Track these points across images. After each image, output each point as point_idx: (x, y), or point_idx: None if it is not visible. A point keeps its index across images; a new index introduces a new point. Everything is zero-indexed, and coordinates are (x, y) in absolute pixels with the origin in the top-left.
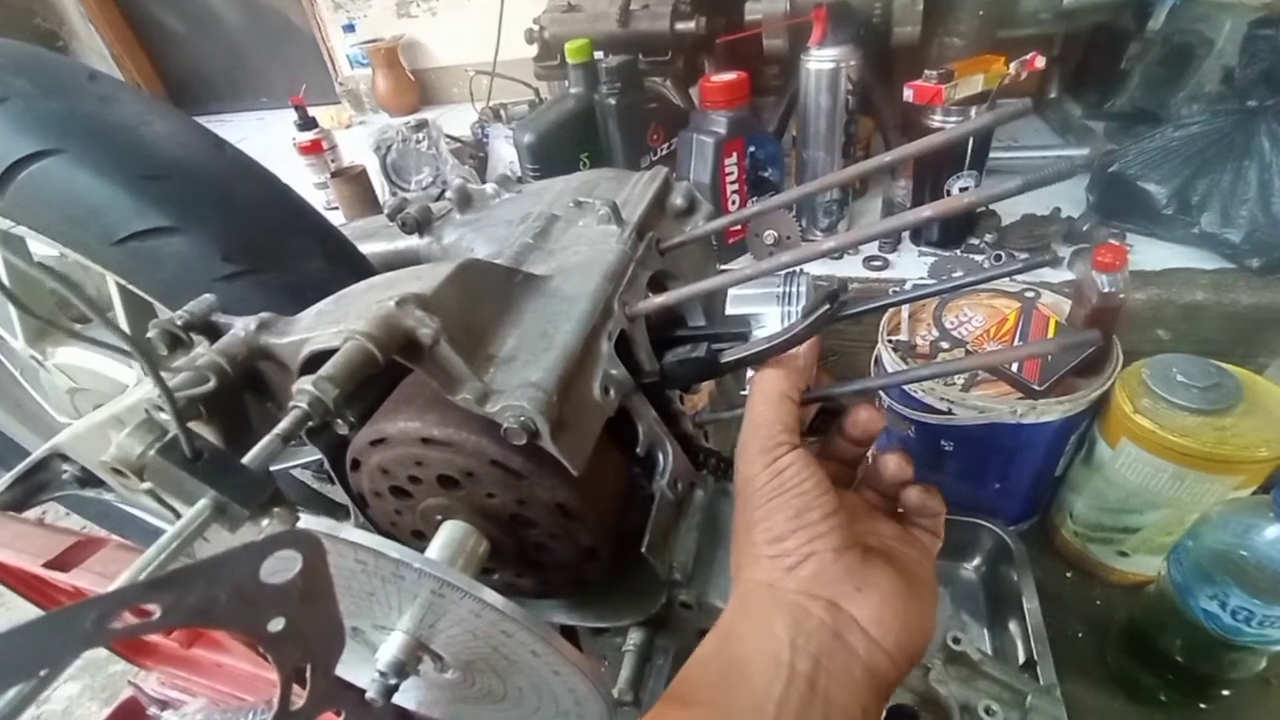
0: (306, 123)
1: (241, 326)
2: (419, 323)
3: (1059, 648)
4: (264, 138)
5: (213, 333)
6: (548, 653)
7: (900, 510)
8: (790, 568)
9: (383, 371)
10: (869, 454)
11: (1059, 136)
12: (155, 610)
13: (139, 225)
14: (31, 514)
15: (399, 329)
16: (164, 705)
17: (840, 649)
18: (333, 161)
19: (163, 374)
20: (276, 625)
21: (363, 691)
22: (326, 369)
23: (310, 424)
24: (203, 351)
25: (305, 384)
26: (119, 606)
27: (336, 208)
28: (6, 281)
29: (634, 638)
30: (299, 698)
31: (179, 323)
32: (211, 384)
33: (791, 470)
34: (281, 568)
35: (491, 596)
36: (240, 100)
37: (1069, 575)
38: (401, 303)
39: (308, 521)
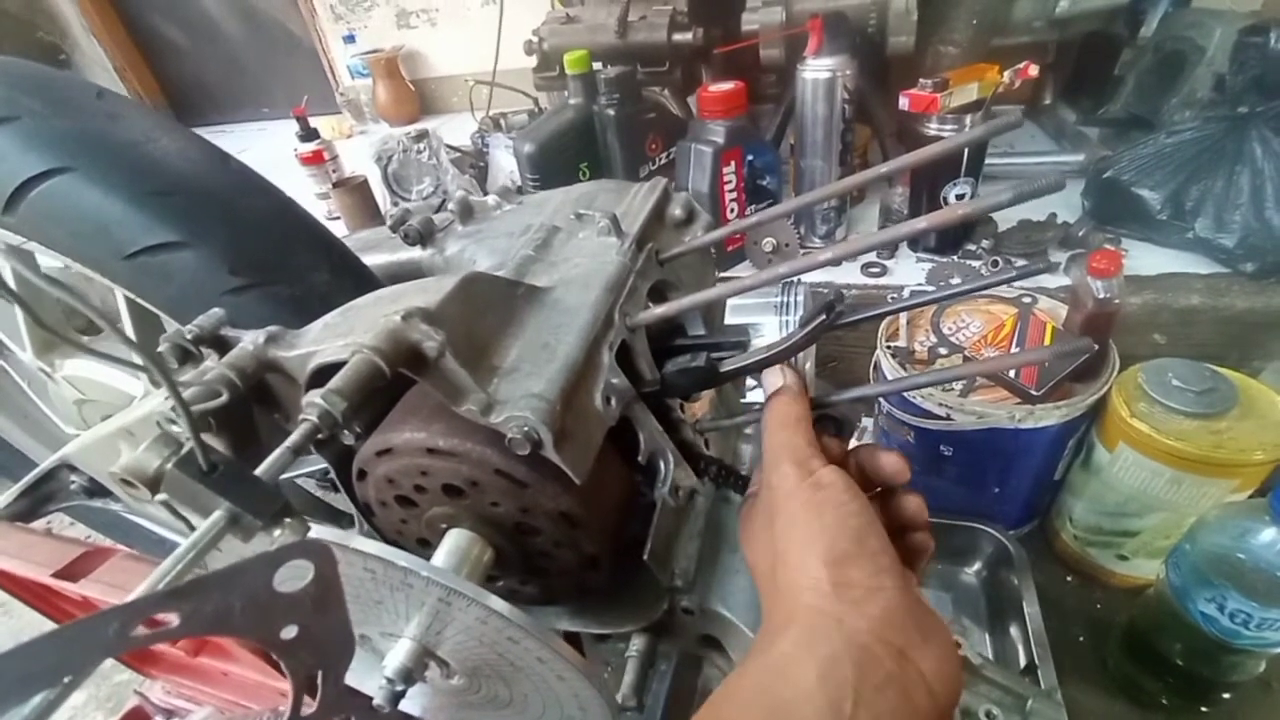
0: (308, 134)
1: (250, 340)
2: (424, 336)
3: (1060, 652)
4: (265, 148)
5: (221, 346)
6: (553, 658)
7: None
8: (857, 601)
9: (388, 383)
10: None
11: (1054, 143)
12: (174, 619)
13: (148, 240)
14: (37, 524)
15: (405, 342)
16: (170, 714)
17: (906, 709)
18: (334, 172)
19: (186, 381)
20: (290, 633)
21: (370, 699)
22: (335, 382)
23: (319, 436)
24: (212, 365)
25: (314, 397)
26: (140, 615)
27: (338, 218)
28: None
29: (636, 644)
30: (308, 705)
31: (189, 336)
32: (224, 398)
33: (836, 488)
34: (294, 577)
35: (498, 603)
36: (241, 111)
37: (1069, 579)
38: (407, 316)
39: (317, 531)
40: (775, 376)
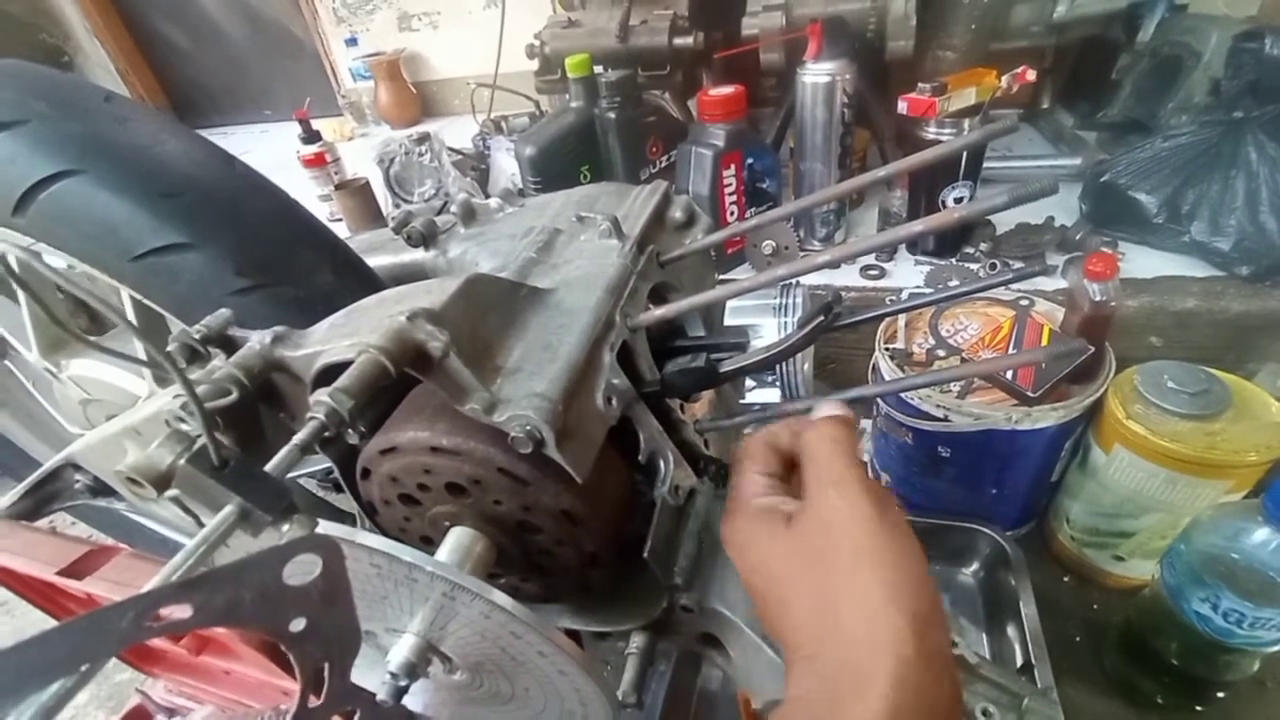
0: (310, 136)
1: (257, 340)
2: (429, 336)
3: (1057, 652)
4: (267, 150)
5: (229, 346)
6: (554, 653)
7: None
8: (939, 675)
9: (393, 383)
10: None
11: (1052, 146)
12: (187, 610)
13: (155, 242)
14: (40, 523)
15: (410, 342)
16: (171, 713)
17: None
18: (336, 174)
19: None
20: (298, 625)
21: (374, 694)
22: (342, 381)
23: (326, 434)
24: (220, 364)
25: (322, 396)
26: (155, 606)
27: (340, 220)
28: (23, 298)
29: (636, 641)
30: (313, 700)
31: (197, 336)
32: (234, 396)
33: (911, 532)
34: (302, 570)
35: (501, 598)
36: (243, 113)
37: (1066, 580)
38: (412, 317)
39: (324, 527)
40: (834, 406)
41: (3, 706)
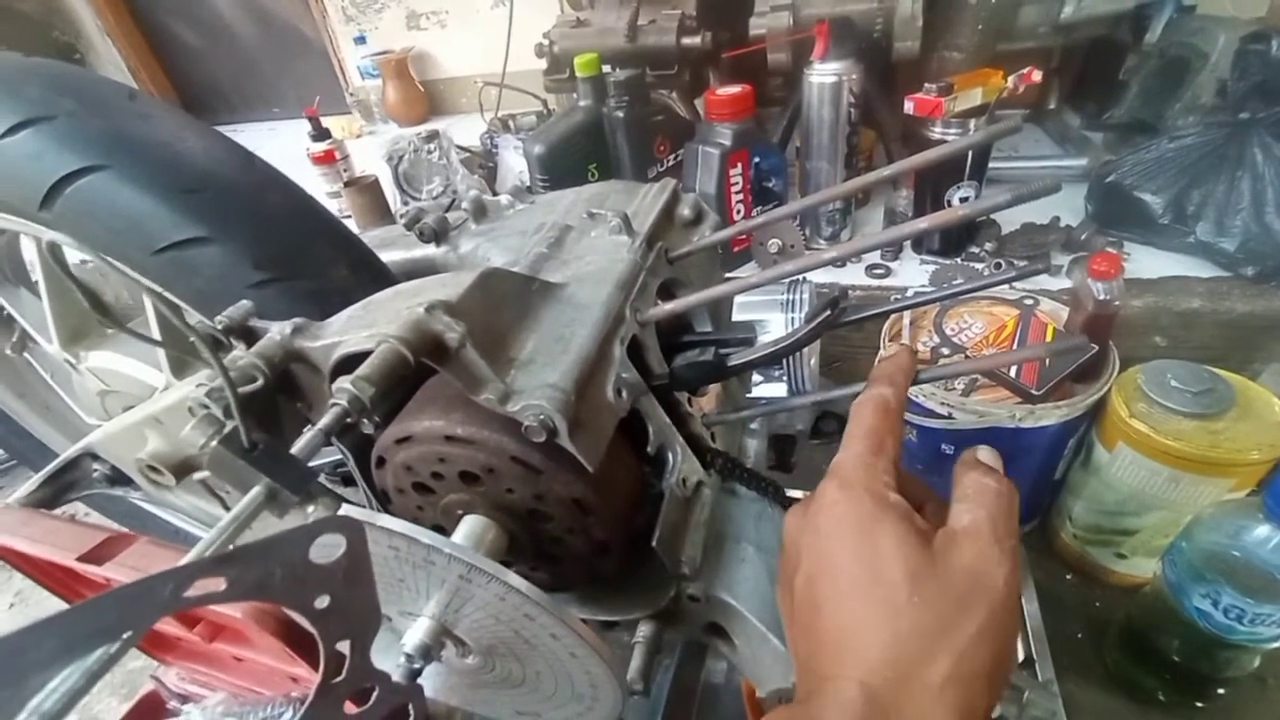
0: (320, 133)
1: (277, 331)
2: (446, 327)
3: (1059, 649)
4: (276, 147)
5: (250, 336)
6: (566, 635)
7: None
8: None
9: (409, 373)
10: None
11: (1058, 147)
12: (222, 583)
13: (177, 236)
14: (57, 512)
15: (428, 333)
16: (184, 699)
17: None
18: (345, 171)
19: (208, 374)
20: (322, 602)
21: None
22: (363, 370)
23: (348, 420)
24: (241, 354)
25: (344, 383)
26: (193, 578)
27: (350, 216)
28: (44, 285)
29: (644, 630)
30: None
31: (220, 326)
32: (259, 383)
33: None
34: (327, 550)
35: (516, 580)
36: (252, 111)
37: (1069, 578)
38: (430, 308)
39: (347, 509)
40: (996, 458)
41: (53, 668)
